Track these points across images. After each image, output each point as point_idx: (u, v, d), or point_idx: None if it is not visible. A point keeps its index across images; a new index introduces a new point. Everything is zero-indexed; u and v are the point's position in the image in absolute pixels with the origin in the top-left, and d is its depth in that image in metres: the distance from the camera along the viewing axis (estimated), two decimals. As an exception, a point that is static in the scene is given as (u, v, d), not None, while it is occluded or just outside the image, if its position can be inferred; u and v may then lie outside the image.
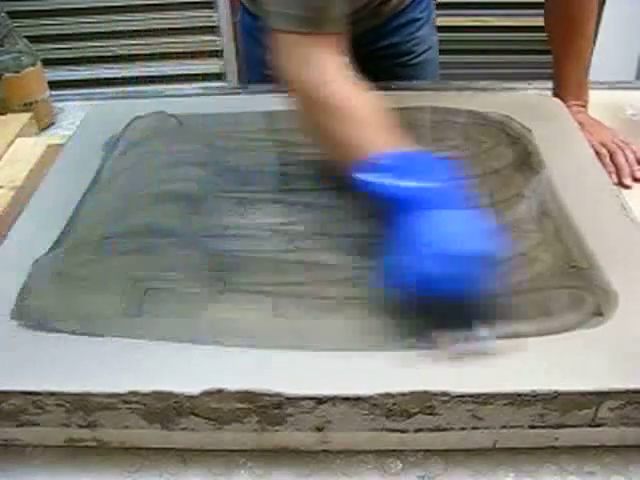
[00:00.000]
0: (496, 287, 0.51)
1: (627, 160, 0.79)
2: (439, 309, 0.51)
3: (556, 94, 0.88)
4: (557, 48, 0.87)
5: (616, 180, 0.77)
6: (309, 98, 0.63)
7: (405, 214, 0.53)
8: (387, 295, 0.54)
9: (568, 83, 0.87)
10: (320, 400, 0.48)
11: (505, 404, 0.48)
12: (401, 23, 0.98)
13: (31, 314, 0.55)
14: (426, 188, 0.54)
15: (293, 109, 0.65)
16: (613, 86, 0.99)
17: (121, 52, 1.89)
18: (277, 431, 0.50)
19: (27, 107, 0.92)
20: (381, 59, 1.01)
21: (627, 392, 0.47)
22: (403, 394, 0.47)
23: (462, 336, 0.50)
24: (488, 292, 0.51)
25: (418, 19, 1.00)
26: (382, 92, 0.85)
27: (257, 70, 1.04)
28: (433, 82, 1.02)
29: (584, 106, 0.88)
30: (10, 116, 0.90)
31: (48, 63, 1.06)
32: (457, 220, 0.53)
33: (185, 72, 1.88)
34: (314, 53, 0.63)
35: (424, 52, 1.03)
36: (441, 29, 1.70)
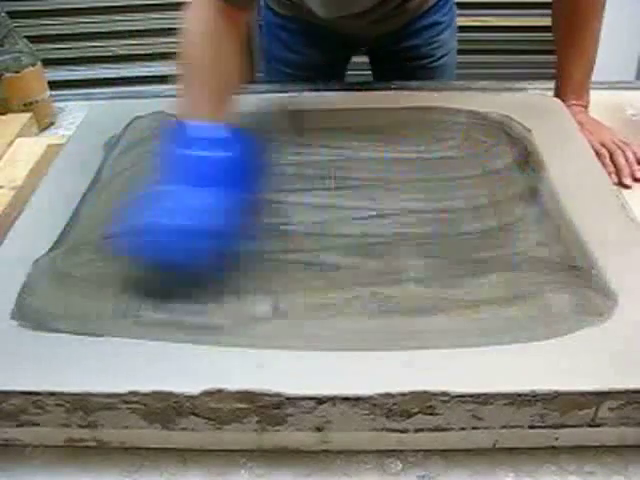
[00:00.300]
0: (200, 261, 0.55)
1: (627, 160, 0.80)
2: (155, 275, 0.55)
3: (557, 94, 0.88)
4: (562, 47, 0.87)
5: (616, 180, 0.77)
6: (180, 44, 0.65)
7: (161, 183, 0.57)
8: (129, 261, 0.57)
9: (570, 83, 0.87)
10: (320, 400, 0.48)
11: (505, 404, 0.48)
12: (423, 25, 0.99)
13: (31, 314, 0.55)
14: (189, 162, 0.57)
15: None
16: (613, 86, 0.99)
17: (121, 52, 1.89)
18: (277, 431, 0.50)
19: (27, 107, 0.92)
20: (401, 61, 1.02)
21: (627, 392, 0.47)
22: (403, 394, 0.47)
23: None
24: (191, 264, 0.55)
25: (440, 22, 1.00)
26: (383, 92, 0.86)
27: (277, 68, 1.05)
28: (433, 82, 1.02)
29: (585, 107, 0.88)
30: (10, 116, 0.90)
31: (48, 63, 1.06)
32: (185, 195, 0.56)
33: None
34: (210, 17, 0.64)
35: (443, 56, 1.03)
36: (441, 29, 1.71)
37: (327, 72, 1.03)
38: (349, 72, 1.11)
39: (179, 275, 0.55)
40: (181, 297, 0.55)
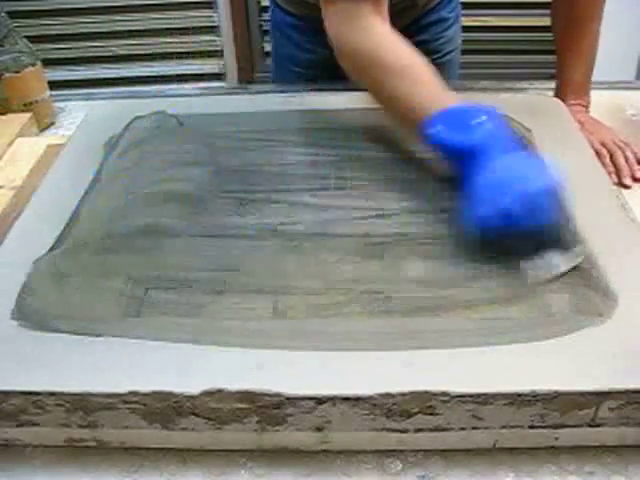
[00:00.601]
0: (561, 216, 0.60)
1: (627, 160, 0.80)
2: (517, 242, 0.58)
3: (557, 94, 0.88)
4: (562, 47, 0.87)
5: (616, 180, 0.77)
6: (363, 59, 0.70)
7: (475, 162, 0.60)
8: (467, 235, 0.60)
9: (570, 82, 0.87)
10: (320, 400, 0.48)
11: (505, 404, 0.48)
12: (431, 21, 1.00)
13: (31, 314, 0.55)
14: (490, 137, 0.61)
15: (350, 75, 0.72)
16: (613, 86, 0.99)
17: (121, 52, 1.89)
18: (277, 431, 0.50)
19: (27, 107, 0.92)
20: None
21: (627, 392, 0.47)
22: (403, 394, 0.47)
23: (541, 264, 0.57)
24: (557, 221, 0.59)
25: (447, 19, 1.02)
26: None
27: (286, 66, 1.05)
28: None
29: (586, 107, 0.88)
30: (10, 116, 0.90)
31: (48, 63, 1.06)
32: (521, 162, 0.60)
33: (185, 72, 1.88)
34: (363, 18, 0.69)
35: (449, 52, 1.04)
36: (441, 29, 1.71)
37: (335, 71, 1.04)
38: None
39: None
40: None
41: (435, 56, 1.02)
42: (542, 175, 0.58)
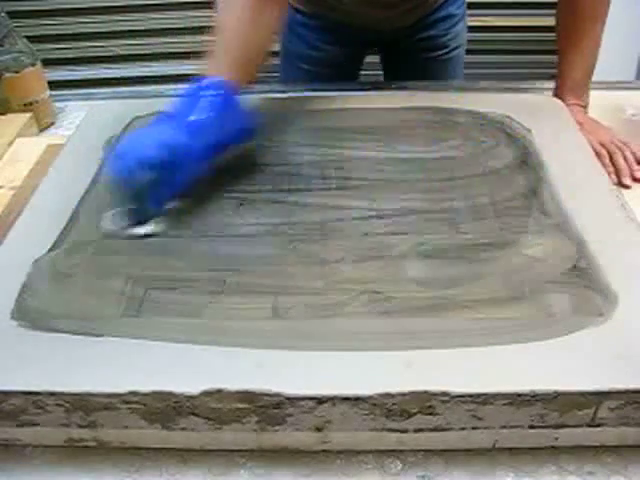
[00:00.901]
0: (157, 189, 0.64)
1: (626, 160, 0.80)
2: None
3: (557, 93, 0.88)
4: (564, 48, 0.87)
5: (616, 180, 0.77)
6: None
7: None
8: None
9: (571, 82, 0.87)
10: (320, 400, 0.48)
11: (505, 404, 0.48)
12: (439, 17, 1.02)
13: (31, 314, 0.55)
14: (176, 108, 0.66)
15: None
16: (613, 86, 0.99)
17: (121, 52, 1.89)
18: (277, 431, 0.50)
19: (27, 107, 0.92)
20: (417, 52, 1.05)
21: (627, 392, 0.47)
22: (403, 394, 0.47)
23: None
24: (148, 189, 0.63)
25: (454, 15, 1.03)
26: (383, 92, 0.86)
27: (295, 64, 1.07)
28: (433, 82, 1.02)
29: (584, 107, 0.88)
30: (10, 116, 0.90)
31: (48, 63, 1.06)
32: (147, 134, 0.66)
33: (185, 72, 1.88)
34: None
35: (456, 48, 1.06)
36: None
37: (344, 69, 1.08)
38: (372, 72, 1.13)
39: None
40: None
41: (443, 51, 1.05)
42: (151, 148, 0.63)
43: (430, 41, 1.03)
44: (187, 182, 0.66)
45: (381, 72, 1.14)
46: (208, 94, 0.67)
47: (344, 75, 1.07)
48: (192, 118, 0.66)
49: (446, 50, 1.05)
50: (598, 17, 0.85)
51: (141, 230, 0.64)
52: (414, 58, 1.06)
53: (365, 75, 1.15)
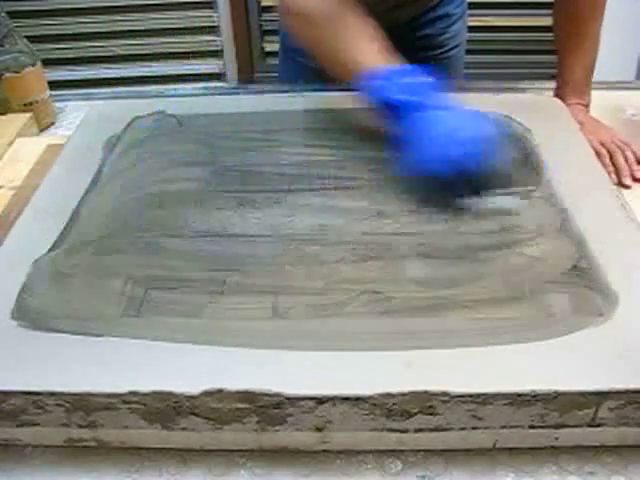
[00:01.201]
0: (497, 160, 0.65)
1: (627, 160, 0.80)
2: (460, 184, 0.65)
3: (557, 93, 0.88)
4: (563, 46, 0.87)
5: (616, 180, 0.77)
6: (308, 16, 0.74)
7: (416, 117, 0.66)
8: (410, 180, 0.67)
9: (571, 82, 0.87)
10: (320, 400, 0.48)
11: (505, 404, 0.48)
12: (438, 15, 1.02)
13: (31, 314, 0.55)
14: (426, 94, 0.67)
15: (291, 31, 0.78)
16: (613, 86, 0.99)
17: (121, 52, 1.89)
18: (277, 431, 0.50)
19: (27, 107, 0.92)
20: (415, 50, 1.04)
21: (627, 392, 0.47)
22: (403, 394, 0.47)
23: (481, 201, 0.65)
24: (493, 164, 0.65)
25: (452, 14, 1.03)
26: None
27: (294, 59, 1.07)
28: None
29: (586, 106, 0.88)
30: (10, 116, 0.90)
31: (48, 63, 1.06)
32: (458, 115, 0.66)
33: (185, 72, 1.88)
34: None
35: (455, 47, 1.06)
36: (441, 29, 1.70)
37: None
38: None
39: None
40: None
41: (440, 50, 1.04)
42: (477, 126, 0.65)
43: (427, 40, 1.03)
44: None
45: None
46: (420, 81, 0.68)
47: None
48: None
49: (444, 49, 1.05)
50: (595, 16, 0.85)
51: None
52: (412, 56, 1.06)
53: None
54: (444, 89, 0.69)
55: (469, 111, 0.67)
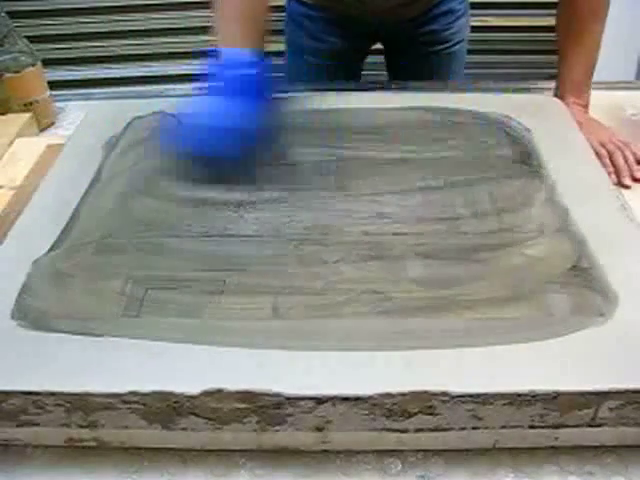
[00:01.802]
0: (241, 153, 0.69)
1: (626, 160, 0.80)
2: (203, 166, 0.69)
3: (557, 93, 0.88)
4: (564, 48, 0.88)
5: (616, 180, 0.77)
6: None
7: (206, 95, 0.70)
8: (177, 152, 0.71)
9: (571, 81, 0.87)
10: (320, 400, 0.48)
11: (505, 404, 0.48)
12: (442, 11, 1.04)
13: (31, 314, 0.55)
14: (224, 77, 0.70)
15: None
16: (613, 86, 0.99)
17: (121, 52, 1.89)
18: (277, 431, 0.50)
19: (27, 107, 0.92)
20: (419, 46, 1.07)
21: (627, 392, 0.47)
22: (403, 394, 0.47)
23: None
24: (235, 156, 0.68)
25: (456, 10, 1.05)
26: (383, 92, 0.86)
27: (300, 57, 1.09)
28: (433, 82, 1.03)
29: (585, 106, 0.88)
30: (10, 116, 0.90)
31: (48, 63, 1.06)
32: (223, 103, 0.69)
33: (185, 72, 1.88)
34: None
35: (458, 43, 1.07)
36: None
37: (348, 60, 1.09)
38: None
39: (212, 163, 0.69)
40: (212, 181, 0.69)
41: (445, 45, 1.06)
42: (233, 117, 0.67)
43: (432, 35, 1.05)
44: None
45: (382, 72, 1.14)
46: (242, 73, 0.70)
47: (348, 67, 1.09)
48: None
49: (448, 44, 1.06)
50: (598, 16, 0.85)
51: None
52: (416, 52, 1.07)
53: (367, 75, 1.16)
54: (273, 86, 0.73)
55: (259, 105, 0.69)
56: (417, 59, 1.08)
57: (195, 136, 0.69)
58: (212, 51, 0.71)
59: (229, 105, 0.68)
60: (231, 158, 0.68)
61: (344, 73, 1.09)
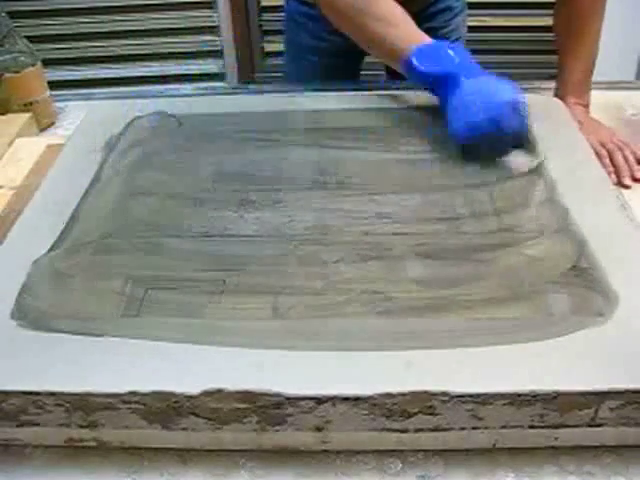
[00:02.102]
0: (524, 122, 0.71)
1: (626, 160, 0.80)
2: (490, 147, 0.71)
3: (557, 94, 0.88)
4: (563, 47, 0.88)
5: (616, 180, 0.77)
6: (347, 9, 0.80)
7: (450, 86, 0.72)
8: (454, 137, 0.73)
9: (571, 81, 0.87)
10: (320, 400, 0.48)
11: (505, 404, 0.48)
12: (439, 9, 1.05)
13: (31, 314, 0.55)
14: (459, 65, 0.73)
15: (334, 22, 0.84)
16: (613, 86, 0.99)
17: (121, 52, 1.89)
18: (277, 431, 0.50)
19: (27, 107, 0.92)
20: None
21: (627, 392, 0.47)
22: (403, 394, 0.47)
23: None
24: (521, 127, 0.71)
25: (454, 7, 1.06)
26: (382, 92, 0.86)
27: (301, 56, 1.09)
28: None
29: (585, 106, 0.88)
30: (10, 116, 0.90)
31: (48, 63, 1.06)
32: (487, 83, 0.72)
33: (185, 72, 1.88)
34: None
35: (456, 40, 1.07)
36: (441, 29, 1.70)
37: (349, 59, 1.09)
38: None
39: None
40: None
41: None
42: (504, 91, 0.71)
43: (430, 33, 1.03)
44: None
45: (382, 72, 1.14)
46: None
47: (348, 66, 1.09)
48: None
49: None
50: (596, 16, 0.85)
51: None
52: None
53: (366, 75, 1.16)
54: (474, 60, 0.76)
55: (497, 79, 0.72)
56: None
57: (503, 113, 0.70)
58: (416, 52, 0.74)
59: (487, 83, 0.72)
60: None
61: (344, 72, 1.09)
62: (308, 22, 1.06)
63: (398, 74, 1.09)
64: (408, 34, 0.77)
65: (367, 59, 1.14)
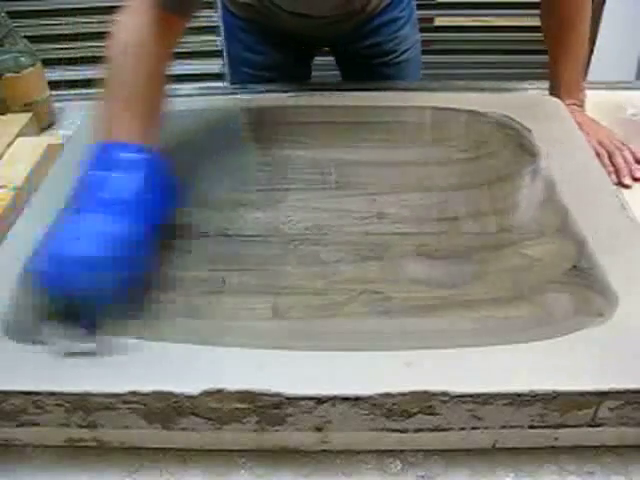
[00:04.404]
0: (105, 292, 0.52)
1: (625, 160, 0.80)
2: (52, 303, 0.51)
3: (551, 94, 0.88)
4: (552, 47, 0.88)
5: (616, 180, 0.77)
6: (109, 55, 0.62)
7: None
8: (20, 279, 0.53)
9: (562, 82, 0.87)
10: (320, 400, 0.48)
11: (505, 404, 0.48)
12: (383, 22, 0.99)
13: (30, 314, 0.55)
14: (89, 188, 0.55)
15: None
16: (613, 86, 0.99)
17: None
18: (277, 431, 0.50)
19: (27, 107, 0.92)
20: (364, 58, 1.02)
21: (627, 392, 0.47)
22: (403, 394, 0.47)
23: (63, 333, 0.50)
24: (93, 295, 0.51)
25: (399, 18, 1.01)
26: (381, 92, 0.86)
27: (239, 69, 1.06)
28: (434, 82, 1.03)
29: (580, 105, 0.88)
30: (10, 116, 0.90)
31: (48, 63, 1.06)
32: (85, 223, 0.53)
33: (185, 72, 1.88)
34: (144, 23, 0.62)
35: (406, 51, 1.03)
36: (440, 29, 1.71)
37: (290, 72, 1.03)
38: (331, 72, 1.11)
39: (83, 304, 0.52)
40: (85, 325, 0.51)
41: (392, 56, 1.02)
42: (88, 242, 0.52)
43: (376, 47, 1.00)
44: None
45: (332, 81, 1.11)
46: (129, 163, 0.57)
47: (290, 78, 1.01)
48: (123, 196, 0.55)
49: (394, 55, 1.02)
50: (582, 17, 0.85)
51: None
52: (364, 62, 1.03)
53: (333, 75, 1.13)
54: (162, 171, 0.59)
55: (110, 219, 0.54)
56: (367, 68, 1.03)
57: (57, 272, 0.52)
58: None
59: (102, 224, 0.53)
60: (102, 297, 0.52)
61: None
62: (243, 35, 1.01)
63: (351, 74, 1.05)
64: (128, 118, 0.60)
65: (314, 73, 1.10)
